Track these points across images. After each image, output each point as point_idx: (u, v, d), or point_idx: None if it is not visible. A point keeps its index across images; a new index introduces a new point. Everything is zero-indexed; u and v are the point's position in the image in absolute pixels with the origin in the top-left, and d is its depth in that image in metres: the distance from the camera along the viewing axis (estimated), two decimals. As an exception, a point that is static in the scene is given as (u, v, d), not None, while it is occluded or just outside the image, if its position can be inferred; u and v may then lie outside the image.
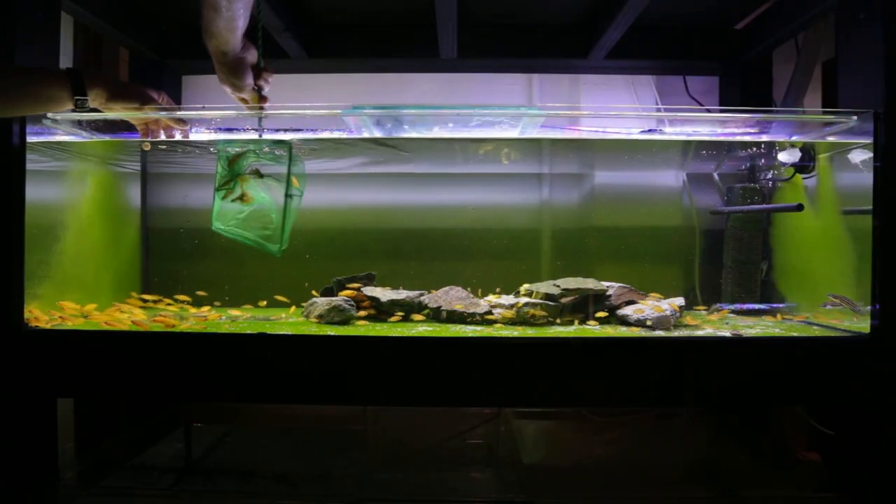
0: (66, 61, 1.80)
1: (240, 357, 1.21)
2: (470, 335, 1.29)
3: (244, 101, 1.29)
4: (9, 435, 1.23)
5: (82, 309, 1.43)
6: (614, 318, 1.50)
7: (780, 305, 1.65)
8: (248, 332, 1.28)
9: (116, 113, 1.19)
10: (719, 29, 1.85)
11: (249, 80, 1.24)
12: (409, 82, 2.13)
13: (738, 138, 1.50)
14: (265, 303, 1.70)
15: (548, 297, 1.51)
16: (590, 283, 1.55)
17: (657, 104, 2.06)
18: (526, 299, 1.51)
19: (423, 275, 1.75)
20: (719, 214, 1.78)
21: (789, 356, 1.20)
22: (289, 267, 1.78)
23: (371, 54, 1.88)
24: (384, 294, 1.55)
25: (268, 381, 1.20)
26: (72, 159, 1.54)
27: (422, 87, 2.13)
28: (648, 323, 1.39)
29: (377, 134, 1.42)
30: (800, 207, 1.51)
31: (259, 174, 1.35)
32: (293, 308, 1.68)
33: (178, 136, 1.31)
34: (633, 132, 1.46)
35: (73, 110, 1.08)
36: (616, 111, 1.78)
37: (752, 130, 1.45)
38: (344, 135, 1.45)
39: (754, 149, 1.65)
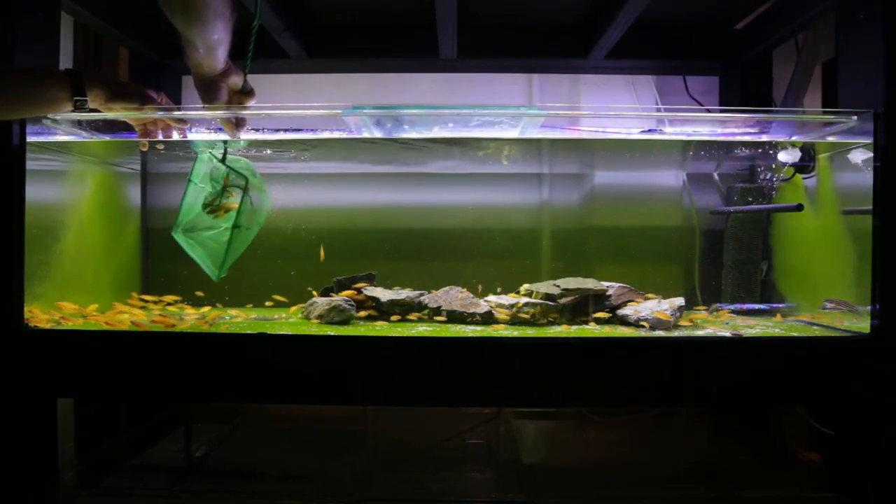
0: (66, 61, 1.80)
1: (240, 357, 1.21)
2: (470, 335, 1.29)
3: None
4: (9, 435, 1.23)
5: (81, 310, 1.43)
6: (615, 319, 1.50)
7: (781, 305, 1.65)
8: (248, 332, 1.28)
9: (116, 113, 1.19)
10: (719, 29, 1.85)
11: (222, 100, 1.23)
12: (409, 82, 2.13)
13: (738, 138, 1.50)
14: (272, 303, 1.70)
15: (548, 297, 1.51)
16: (590, 283, 1.55)
17: (657, 104, 2.06)
18: (526, 299, 1.51)
19: (423, 275, 1.75)
20: (719, 214, 1.78)
21: (789, 356, 1.20)
22: (289, 267, 1.78)
23: (371, 54, 1.88)
24: (384, 294, 1.55)
25: (268, 381, 1.21)
26: (72, 159, 1.54)
27: (422, 87, 2.13)
28: (646, 324, 1.39)
29: (377, 134, 1.42)
30: (800, 207, 1.51)
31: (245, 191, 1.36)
32: (294, 308, 1.68)
33: (176, 136, 1.31)
34: (633, 132, 1.46)
35: (73, 111, 1.08)
36: (616, 111, 1.78)
37: (752, 130, 1.45)
38: (344, 135, 1.45)
39: (754, 149, 1.65)
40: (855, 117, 1.24)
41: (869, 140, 1.22)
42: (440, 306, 1.51)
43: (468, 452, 1.56)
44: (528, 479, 1.39)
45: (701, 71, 1.99)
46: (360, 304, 1.54)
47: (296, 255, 1.80)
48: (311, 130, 1.44)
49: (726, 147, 1.65)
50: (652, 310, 1.43)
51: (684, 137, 1.53)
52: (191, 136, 1.37)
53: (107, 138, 1.43)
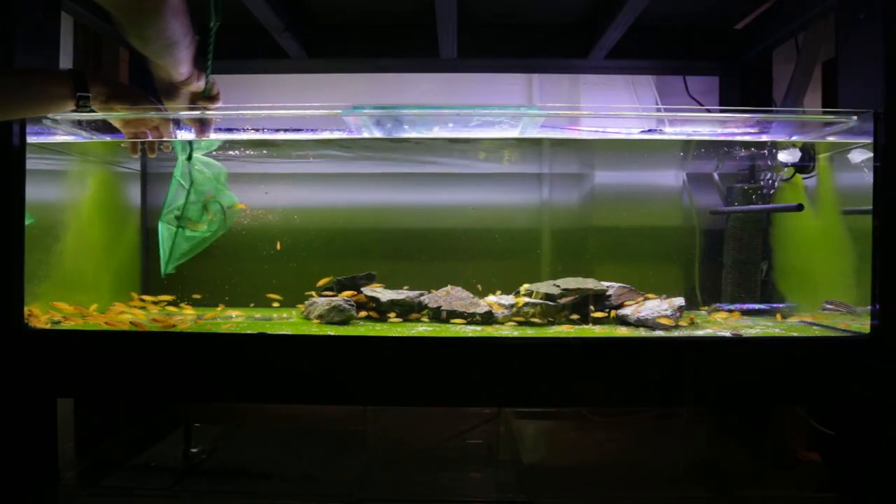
0: (66, 61, 1.80)
1: (240, 357, 1.21)
2: (470, 335, 1.29)
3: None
4: (9, 435, 1.23)
5: (80, 309, 1.43)
6: (614, 318, 1.50)
7: (781, 305, 1.65)
8: (249, 332, 1.28)
9: (114, 113, 1.19)
10: (719, 29, 1.85)
11: (182, 103, 1.24)
12: (409, 82, 2.13)
13: (738, 138, 1.50)
14: (278, 304, 1.70)
15: (548, 297, 1.51)
16: (590, 283, 1.55)
17: (657, 104, 2.06)
18: (526, 299, 1.51)
19: (423, 275, 1.75)
20: (719, 214, 1.78)
21: (789, 356, 1.20)
22: (289, 267, 1.78)
23: (371, 54, 1.88)
24: (384, 294, 1.55)
25: (268, 380, 1.21)
26: (72, 159, 1.54)
27: (422, 87, 2.13)
28: (643, 327, 1.39)
29: (377, 134, 1.42)
30: (800, 207, 1.51)
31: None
32: (295, 309, 1.68)
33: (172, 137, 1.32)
34: (633, 132, 1.46)
35: (76, 109, 1.09)
36: (616, 111, 1.78)
37: (752, 130, 1.45)
38: (344, 135, 1.45)
39: (754, 149, 1.65)
40: (855, 117, 1.24)
41: (869, 140, 1.22)
42: (440, 306, 1.51)
43: (468, 452, 1.56)
44: (528, 479, 1.39)
45: (701, 71, 1.99)
46: (361, 305, 1.54)
47: (295, 255, 1.80)
48: (311, 130, 1.44)
49: (726, 147, 1.65)
50: (652, 310, 1.43)
51: (684, 137, 1.53)
52: (179, 137, 1.38)
53: (107, 138, 1.43)
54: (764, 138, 1.51)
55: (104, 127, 1.38)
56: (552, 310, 1.49)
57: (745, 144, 1.62)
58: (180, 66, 1.15)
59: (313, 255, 1.83)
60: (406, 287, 1.65)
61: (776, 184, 1.68)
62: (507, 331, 1.35)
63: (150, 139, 1.29)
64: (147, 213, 1.84)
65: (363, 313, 1.52)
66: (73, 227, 1.50)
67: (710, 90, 2.04)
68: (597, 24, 1.75)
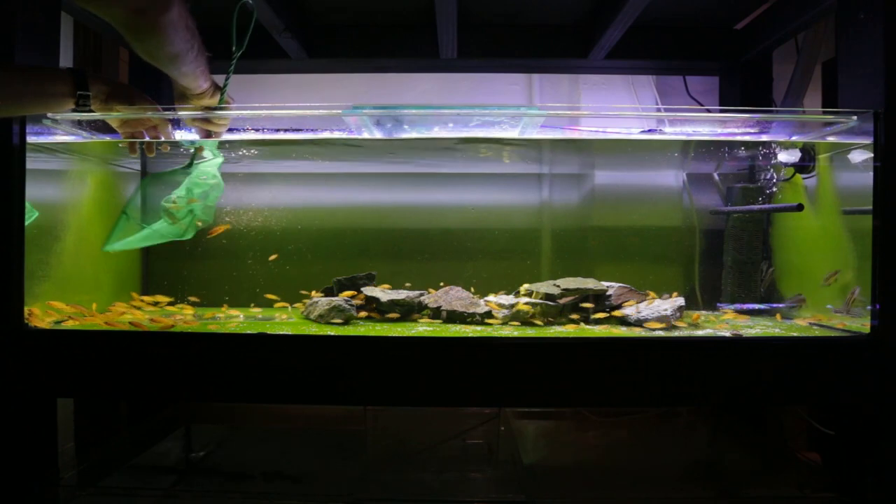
0: (66, 61, 1.80)
1: (240, 357, 1.21)
2: (470, 335, 1.29)
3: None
4: (9, 435, 1.23)
5: (79, 309, 1.43)
6: (614, 319, 1.50)
7: (780, 305, 1.65)
8: (249, 332, 1.28)
9: (113, 113, 1.20)
10: (719, 29, 1.85)
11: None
12: (409, 82, 2.13)
13: (738, 138, 1.50)
14: (287, 304, 1.70)
15: (548, 297, 1.51)
16: (590, 283, 1.55)
17: (657, 104, 2.06)
18: (526, 299, 1.51)
19: (423, 275, 1.75)
20: (719, 214, 1.78)
21: (789, 356, 1.20)
22: (289, 267, 1.78)
23: (371, 54, 1.88)
24: (384, 294, 1.55)
25: (268, 380, 1.20)
26: (72, 159, 1.54)
27: (422, 87, 2.13)
28: (654, 324, 1.39)
29: (377, 134, 1.42)
30: (800, 207, 1.51)
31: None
32: (293, 309, 1.68)
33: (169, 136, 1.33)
34: (633, 132, 1.46)
35: (76, 108, 1.09)
36: (616, 111, 1.78)
37: (752, 130, 1.45)
38: (344, 135, 1.45)
39: (754, 149, 1.65)
40: (855, 117, 1.24)
41: (869, 140, 1.22)
42: (440, 306, 1.51)
43: (468, 452, 1.56)
44: (528, 479, 1.39)
45: (701, 71, 1.99)
46: (362, 306, 1.54)
47: (295, 255, 1.80)
48: (312, 130, 1.44)
49: (726, 147, 1.65)
50: (653, 310, 1.43)
51: (684, 137, 1.53)
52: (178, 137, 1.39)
53: (107, 138, 1.43)
54: (764, 138, 1.51)
55: (104, 127, 1.38)
56: (552, 310, 1.49)
57: (746, 144, 1.62)
58: (188, 79, 1.17)
59: (313, 256, 1.83)
60: (408, 284, 1.65)
61: (776, 184, 1.68)
62: (507, 331, 1.35)
63: (147, 139, 1.29)
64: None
65: (364, 313, 1.52)
66: (73, 226, 1.50)
67: (710, 90, 2.04)
68: (597, 24, 1.75)
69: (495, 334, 1.30)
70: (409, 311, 1.55)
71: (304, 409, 1.86)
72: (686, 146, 1.69)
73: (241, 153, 1.59)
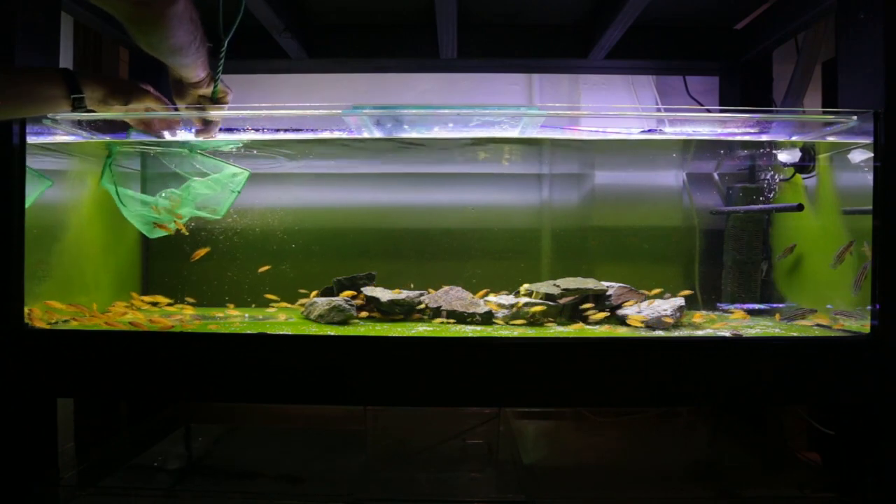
0: (66, 61, 1.80)
1: (240, 357, 1.21)
2: (470, 335, 1.29)
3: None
4: (9, 435, 1.23)
5: (80, 308, 1.43)
6: (614, 318, 1.50)
7: (780, 305, 1.65)
8: (248, 332, 1.28)
9: (114, 113, 1.20)
10: (719, 29, 1.85)
11: (185, 104, 1.25)
12: (409, 82, 2.13)
13: (738, 138, 1.50)
14: (287, 304, 1.70)
15: (548, 297, 1.51)
16: (590, 283, 1.55)
17: (657, 104, 2.06)
18: (526, 299, 1.51)
19: (423, 275, 1.75)
20: (719, 214, 1.78)
21: (789, 356, 1.20)
22: (289, 267, 1.78)
23: (371, 54, 1.88)
24: (384, 294, 1.55)
25: (268, 380, 1.20)
26: (72, 159, 1.54)
27: (422, 87, 2.13)
28: (656, 325, 1.40)
29: (377, 134, 1.42)
30: (800, 207, 1.51)
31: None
32: (291, 308, 1.68)
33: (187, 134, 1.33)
34: (633, 132, 1.46)
35: (72, 110, 1.08)
36: (616, 111, 1.78)
37: (752, 130, 1.45)
38: (344, 135, 1.45)
39: (754, 149, 1.65)
40: (855, 117, 1.24)
41: (869, 140, 1.22)
42: (440, 306, 1.51)
43: (468, 452, 1.56)
44: (528, 479, 1.39)
45: (701, 71, 1.99)
46: (362, 306, 1.54)
47: (295, 255, 1.80)
48: (312, 130, 1.44)
49: (726, 147, 1.65)
50: (653, 310, 1.43)
51: (684, 137, 1.54)
52: (184, 136, 1.39)
53: (107, 138, 1.43)
54: (764, 138, 1.51)
55: (104, 127, 1.38)
56: (552, 310, 1.49)
57: (745, 144, 1.62)
58: (188, 70, 1.16)
59: (313, 256, 1.83)
60: (412, 286, 1.65)
61: (777, 183, 1.68)
62: (507, 331, 1.35)
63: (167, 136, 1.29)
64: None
65: (365, 314, 1.52)
66: (74, 226, 1.50)
67: (710, 90, 2.04)
68: (597, 24, 1.75)
69: (495, 334, 1.30)
70: (409, 311, 1.55)
71: (304, 409, 1.86)
72: (686, 146, 1.69)
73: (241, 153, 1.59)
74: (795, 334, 1.33)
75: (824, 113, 1.42)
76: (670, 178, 1.89)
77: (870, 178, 1.21)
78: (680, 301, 1.47)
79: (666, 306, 1.44)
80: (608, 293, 1.54)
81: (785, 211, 1.62)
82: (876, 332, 1.20)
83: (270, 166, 1.74)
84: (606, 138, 1.51)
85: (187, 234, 1.60)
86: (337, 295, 1.57)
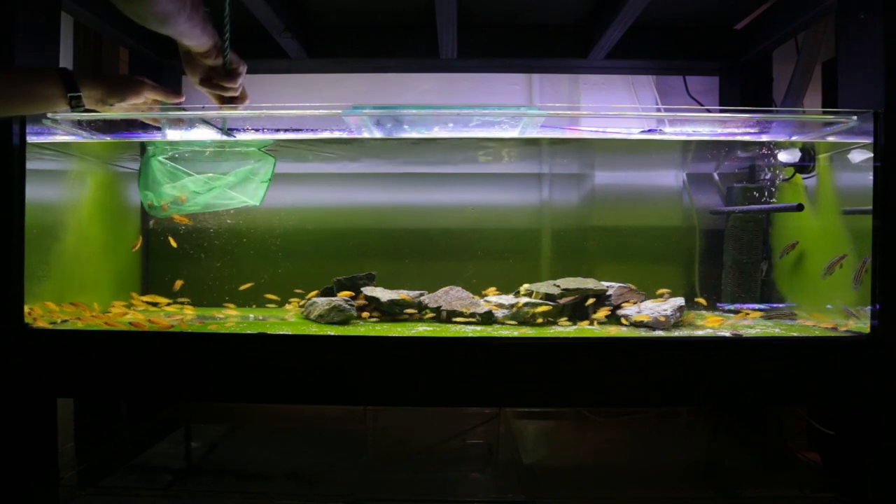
0: (66, 61, 1.80)
1: (240, 357, 1.21)
2: (470, 335, 1.29)
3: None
4: (9, 435, 1.23)
5: (81, 307, 1.43)
6: (614, 318, 1.50)
7: (780, 305, 1.65)
8: (249, 332, 1.28)
9: (114, 113, 1.19)
10: (719, 29, 1.85)
11: (201, 74, 1.20)
12: (409, 82, 2.13)
13: (738, 138, 1.50)
14: (294, 304, 1.70)
15: (548, 297, 1.51)
16: (590, 283, 1.55)
17: (657, 104, 2.06)
18: (526, 299, 1.51)
19: (423, 275, 1.75)
20: (719, 214, 1.78)
21: (789, 356, 1.20)
22: (289, 267, 1.78)
23: (371, 54, 1.88)
24: (384, 294, 1.55)
25: (268, 380, 1.21)
26: (72, 159, 1.54)
27: (422, 87, 2.13)
28: (643, 327, 1.39)
29: (377, 134, 1.42)
30: (800, 207, 1.51)
31: None
32: (291, 307, 1.68)
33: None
34: (633, 132, 1.46)
35: (71, 110, 1.08)
36: (616, 111, 1.78)
37: (752, 130, 1.45)
38: (344, 135, 1.45)
39: (754, 149, 1.65)
40: (855, 117, 1.24)
41: (869, 140, 1.22)
42: (440, 306, 1.51)
43: (468, 452, 1.56)
44: (528, 479, 1.39)
45: (701, 71, 1.99)
46: (362, 306, 1.54)
47: (295, 255, 1.80)
48: (312, 130, 1.44)
49: (726, 147, 1.65)
50: (653, 310, 1.43)
51: (684, 137, 1.53)
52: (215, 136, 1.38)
53: (107, 138, 1.43)
54: (764, 138, 1.51)
55: (104, 127, 1.38)
56: (552, 310, 1.49)
57: (746, 144, 1.62)
58: (185, 38, 1.12)
59: (313, 256, 1.83)
60: (413, 288, 1.65)
61: (777, 183, 1.68)
62: (507, 331, 1.35)
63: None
64: (147, 213, 1.83)
65: (366, 314, 1.52)
66: (74, 226, 1.50)
67: (710, 90, 2.04)
68: (597, 24, 1.75)
69: (495, 334, 1.30)
70: (408, 310, 1.55)
71: (304, 409, 1.86)
72: (686, 146, 1.69)
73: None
74: (795, 334, 1.33)
75: (824, 113, 1.42)
76: (670, 178, 1.89)
77: (870, 178, 1.21)
78: (680, 301, 1.47)
79: (665, 306, 1.44)
80: (608, 293, 1.54)
81: (785, 211, 1.62)
82: (876, 332, 1.20)
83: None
84: (606, 138, 1.51)
85: (190, 222, 1.61)
86: (336, 295, 1.56)
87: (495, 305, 1.53)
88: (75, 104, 1.07)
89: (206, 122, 1.36)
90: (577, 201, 1.92)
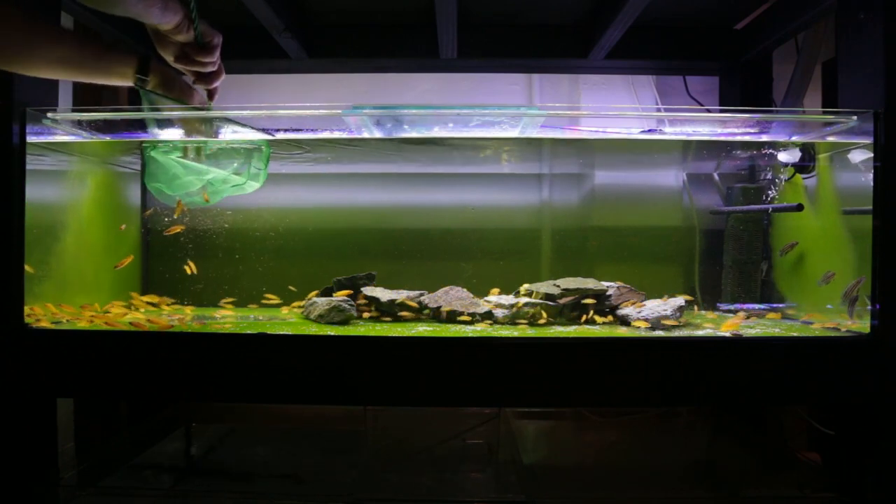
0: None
1: (240, 357, 1.21)
2: (470, 335, 1.29)
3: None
4: (9, 435, 1.23)
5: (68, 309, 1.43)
6: (615, 318, 1.50)
7: (781, 305, 1.65)
8: (249, 332, 1.28)
9: (119, 114, 1.21)
10: (719, 29, 1.85)
11: (173, 52, 1.17)
12: (409, 82, 2.13)
13: (738, 138, 1.50)
14: (292, 306, 1.70)
15: (548, 297, 1.51)
16: (590, 283, 1.55)
17: (657, 104, 2.06)
18: (526, 299, 1.51)
19: (423, 275, 1.75)
20: (719, 214, 1.78)
21: (789, 356, 1.20)
22: (289, 267, 1.78)
23: (371, 54, 1.88)
24: (384, 294, 1.55)
25: (268, 380, 1.21)
26: (72, 159, 1.54)
27: (422, 87, 2.13)
28: (647, 324, 1.40)
29: (377, 134, 1.42)
30: (800, 207, 1.51)
31: None
32: (290, 307, 1.68)
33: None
34: (633, 132, 1.46)
35: (134, 86, 1.13)
36: (616, 111, 1.78)
37: (752, 130, 1.45)
38: (344, 135, 1.45)
39: (754, 149, 1.65)
40: (855, 117, 1.24)
41: (869, 140, 1.22)
42: (440, 306, 1.51)
43: (468, 452, 1.56)
44: (528, 479, 1.39)
45: (701, 71, 1.99)
46: (362, 306, 1.54)
47: (295, 255, 1.80)
48: (312, 130, 1.44)
49: (726, 147, 1.65)
50: (653, 310, 1.43)
51: (684, 137, 1.53)
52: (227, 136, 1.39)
53: (107, 138, 1.43)
54: (764, 138, 1.51)
55: (104, 127, 1.38)
56: (552, 310, 1.49)
57: (745, 145, 1.62)
58: (144, 19, 1.09)
59: (313, 256, 1.83)
60: (413, 288, 1.65)
61: (777, 183, 1.68)
62: (507, 331, 1.35)
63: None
64: (147, 214, 1.84)
65: (367, 314, 1.52)
66: (73, 226, 1.50)
67: (710, 90, 2.04)
68: (597, 24, 1.75)
69: (495, 334, 1.30)
70: (408, 310, 1.55)
71: (304, 409, 1.86)
72: (686, 146, 1.69)
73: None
74: (795, 334, 1.33)
75: (824, 113, 1.42)
76: (670, 178, 1.89)
77: (870, 178, 1.21)
78: (680, 301, 1.47)
79: (666, 306, 1.44)
80: (608, 293, 1.54)
81: (785, 211, 1.62)
82: (876, 332, 1.20)
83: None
84: (606, 138, 1.51)
85: (183, 228, 1.62)
86: (336, 295, 1.56)
87: (495, 305, 1.53)
88: (140, 84, 1.13)
89: (231, 120, 1.36)
90: (577, 201, 1.92)
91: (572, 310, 1.53)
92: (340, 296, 1.52)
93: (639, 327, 1.39)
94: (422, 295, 1.57)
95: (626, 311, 1.48)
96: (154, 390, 1.24)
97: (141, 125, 1.37)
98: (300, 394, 1.23)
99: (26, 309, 1.25)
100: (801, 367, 1.20)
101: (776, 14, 1.66)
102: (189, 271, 1.66)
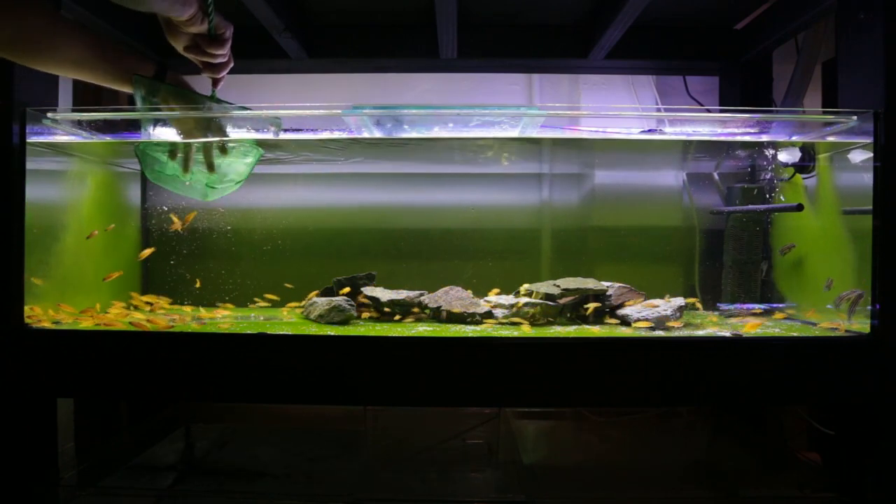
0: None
1: (240, 357, 1.21)
2: (470, 335, 1.29)
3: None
4: (9, 435, 1.23)
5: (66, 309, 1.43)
6: (615, 318, 1.50)
7: (781, 305, 1.65)
8: (249, 332, 1.28)
9: (119, 114, 1.21)
10: (719, 29, 1.85)
11: (184, 42, 1.16)
12: (409, 82, 2.13)
13: (738, 138, 1.50)
14: (289, 306, 1.70)
15: (548, 297, 1.51)
16: (590, 283, 1.55)
17: (657, 104, 2.06)
18: (526, 299, 1.51)
19: (423, 275, 1.75)
20: (719, 214, 1.78)
21: (789, 356, 1.20)
22: (289, 267, 1.78)
23: (371, 54, 1.88)
24: (384, 294, 1.55)
25: (268, 380, 1.21)
26: (72, 159, 1.54)
27: (422, 87, 2.13)
28: (647, 323, 1.40)
29: (377, 134, 1.42)
30: (800, 207, 1.51)
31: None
32: (288, 308, 1.68)
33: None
34: (633, 132, 1.46)
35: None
36: (616, 111, 1.78)
37: (752, 130, 1.45)
38: (344, 135, 1.45)
39: (754, 149, 1.65)
40: (855, 117, 1.24)
41: (869, 140, 1.22)
42: (440, 306, 1.51)
43: (468, 452, 1.56)
44: (528, 479, 1.39)
45: (701, 71, 1.99)
46: (362, 305, 1.54)
47: (295, 254, 1.80)
48: (312, 130, 1.44)
49: (726, 147, 1.65)
50: (653, 310, 1.43)
51: (684, 137, 1.53)
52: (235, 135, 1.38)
53: (107, 138, 1.43)
54: (764, 138, 1.51)
55: (104, 127, 1.38)
56: (552, 310, 1.49)
57: (746, 145, 1.62)
58: (165, 13, 1.08)
59: (313, 256, 1.83)
60: (413, 288, 1.65)
61: (777, 183, 1.68)
62: (507, 331, 1.35)
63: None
64: (147, 214, 1.84)
65: (367, 314, 1.52)
66: (73, 227, 1.50)
67: (710, 90, 2.04)
68: (597, 24, 1.75)
69: (495, 334, 1.30)
70: (409, 310, 1.55)
71: (304, 409, 1.86)
72: (686, 146, 1.69)
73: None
74: (795, 334, 1.33)
75: (824, 113, 1.42)
76: (670, 178, 1.89)
77: (870, 178, 1.21)
78: (680, 301, 1.47)
79: (665, 306, 1.44)
80: (608, 293, 1.54)
81: (785, 211, 1.62)
82: (876, 332, 1.20)
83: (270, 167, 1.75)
84: (606, 138, 1.51)
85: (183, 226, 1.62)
86: (337, 295, 1.56)
87: (495, 305, 1.53)
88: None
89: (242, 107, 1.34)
90: (577, 201, 1.92)
91: (573, 309, 1.53)
92: (340, 296, 1.52)
93: (639, 327, 1.39)
94: (422, 295, 1.57)
95: (626, 311, 1.48)
96: (154, 390, 1.24)
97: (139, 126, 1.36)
98: (300, 394, 1.23)
99: (26, 309, 1.25)
100: (801, 368, 1.20)
101: (776, 14, 1.66)
102: (194, 281, 1.66)
